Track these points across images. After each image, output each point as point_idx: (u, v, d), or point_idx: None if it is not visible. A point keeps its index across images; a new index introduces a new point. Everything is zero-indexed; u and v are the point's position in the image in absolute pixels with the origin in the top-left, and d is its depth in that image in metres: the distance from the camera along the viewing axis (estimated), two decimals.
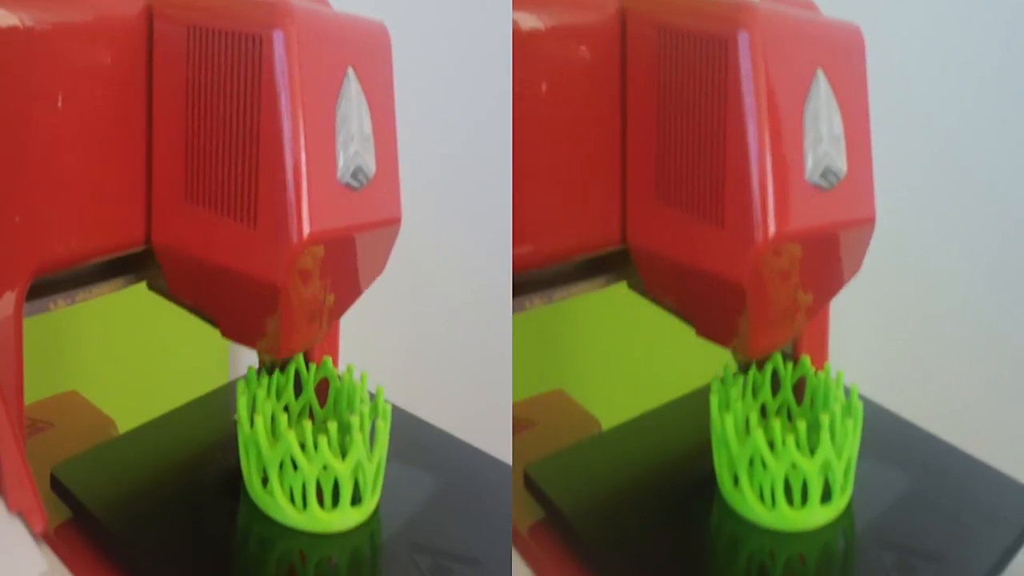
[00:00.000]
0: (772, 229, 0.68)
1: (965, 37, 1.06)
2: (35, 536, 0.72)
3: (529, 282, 0.81)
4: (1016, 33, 1.04)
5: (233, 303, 0.75)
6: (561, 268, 0.82)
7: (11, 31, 0.67)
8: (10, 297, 0.70)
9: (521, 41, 0.73)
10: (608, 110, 0.78)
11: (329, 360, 0.83)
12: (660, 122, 0.75)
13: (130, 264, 0.80)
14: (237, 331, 0.77)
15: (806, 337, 0.88)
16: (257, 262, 0.70)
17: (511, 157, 0.74)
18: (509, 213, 0.74)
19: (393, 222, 0.77)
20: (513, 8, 0.73)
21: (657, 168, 0.76)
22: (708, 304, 0.76)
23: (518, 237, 0.75)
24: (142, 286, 0.83)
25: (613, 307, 1.06)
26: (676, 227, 0.75)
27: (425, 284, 1.10)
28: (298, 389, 0.83)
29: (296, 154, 0.68)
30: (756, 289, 0.71)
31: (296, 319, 0.73)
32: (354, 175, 0.72)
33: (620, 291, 0.87)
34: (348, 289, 0.78)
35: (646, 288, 0.82)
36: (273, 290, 0.70)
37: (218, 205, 0.71)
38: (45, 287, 0.76)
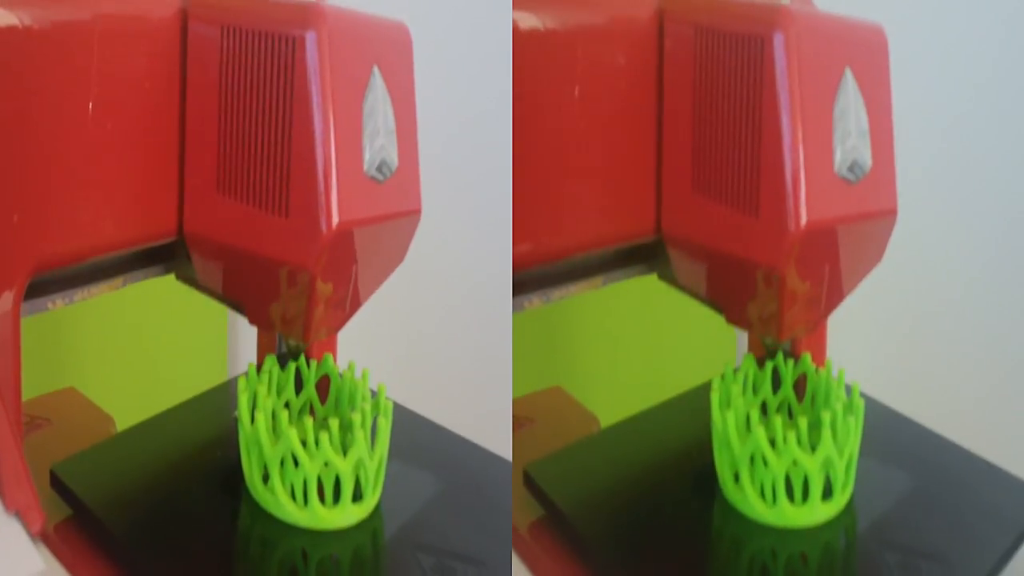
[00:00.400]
0: (804, 218, 0.71)
1: (962, 34, 1.06)
2: (32, 535, 0.71)
3: (528, 281, 0.81)
4: (1015, 32, 1.04)
5: (262, 290, 0.77)
6: (560, 267, 0.83)
7: (10, 31, 0.68)
8: (8, 295, 0.71)
9: (561, 40, 0.76)
10: (645, 106, 0.81)
11: (330, 357, 0.83)
12: (697, 117, 0.78)
13: (126, 263, 0.81)
14: (264, 317, 0.79)
15: (805, 335, 0.88)
16: (288, 250, 0.73)
17: (511, 155, 0.75)
18: (509, 211, 0.75)
19: (414, 213, 0.80)
20: (554, 8, 0.76)
21: (693, 161, 0.79)
22: (740, 291, 0.78)
23: (556, 228, 0.78)
24: (139, 285, 0.83)
25: (611, 306, 1.06)
26: (712, 217, 0.77)
27: (426, 282, 1.09)
28: (299, 386, 0.83)
29: (327, 148, 0.71)
30: (788, 274, 0.73)
31: (323, 304, 0.76)
32: (379, 168, 0.74)
33: (617, 290, 0.87)
34: (371, 277, 0.80)
35: (678, 277, 0.84)
36: (304, 276, 0.73)
37: (250, 196, 0.74)
38: (43, 286, 0.76)
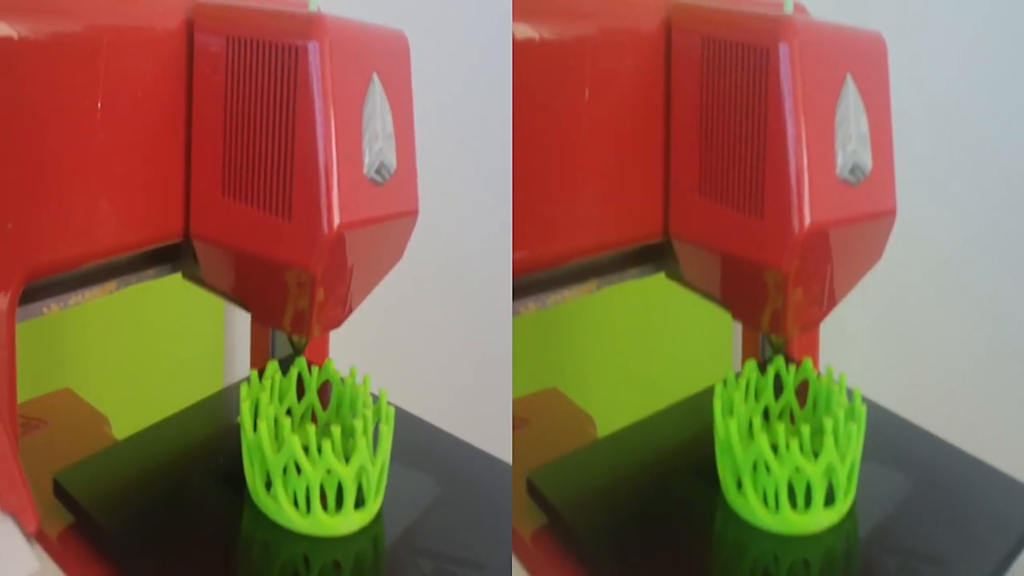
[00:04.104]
0: (808, 219, 0.74)
1: (950, 38, 1.06)
2: (27, 536, 0.71)
3: (523, 287, 0.81)
4: (1015, 35, 1.05)
5: (267, 290, 0.79)
6: (555, 272, 0.83)
7: (6, 42, 0.68)
8: (3, 298, 0.71)
9: (570, 49, 0.78)
10: (652, 113, 0.82)
11: (331, 363, 0.83)
12: (703, 124, 0.80)
13: (120, 268, 0.81)
14: (268, 315, 0.82)
15: (797, 339, 0.88)
16: (291, 251, 0.75)
17: (511, 160, 0.76)
18: (510, 215, 0.76)
19: (412, 213, 0.81)
20: (564, 17, 0.78)
21: (700, 165, 0.80)
22: (746, 290, 0.81)
23: (568, 231, 0.80)
24: (136, 287, 0.83)
25: (606, 308, 1.06)
26: (718, 219, 0.80)
27: (427, 286, 1.09)
28: (300, 391, 0.83)
29: (328, 152, 0.73)
30: (793, 274, 0.76)
31: (326, 303, 0.78)
32: (378, 170, 0.76)
33: (612, 293, 0.87)
34: (371, 275, 0.82)
35: (686, 278, 0.86)
36: (307, 276, 0.75)
37: (254, 199, 0.76)
38: (38, 291, 0.76)
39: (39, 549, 0.72)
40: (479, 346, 1.09)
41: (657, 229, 0.84)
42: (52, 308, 0.77)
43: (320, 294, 0.77)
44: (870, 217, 0.78)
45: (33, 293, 0.75)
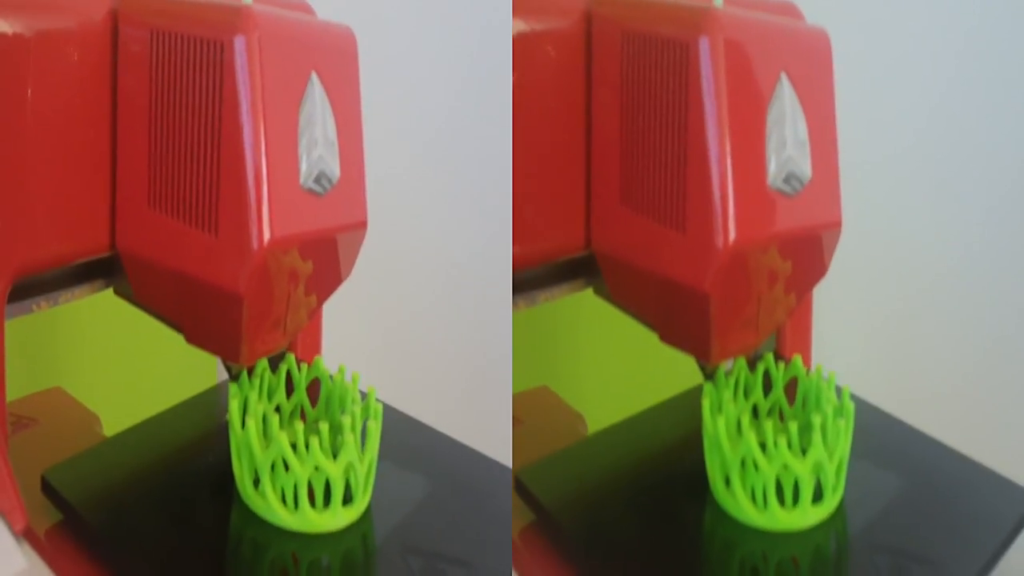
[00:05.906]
0: (732, 235, 0.68)
1: (948, 38, 1.06)
2: (15, 535, 0.71)
3: (514, 284, 0.81)
4: (994, 34, 1.05)
5: (196, 310, 0.74)
6: (544, 270, 0.82)
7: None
8: None
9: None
10: (574, 115, 0.77)
11: (320, 360, 0.82)
12: (624, 127, 0.74)
13: (107, 268, 0.80)
14: (201, 338, 0.76)
15: (790, 337, 0.88)
16: (218, 269, 0.70)
17: (511, 158, 0.74)
18: (509, 212, 0.74)
19: (358, 226, 0.76)
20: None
21: (621, 173, 0.75)
22: (671, 311, 0.75)
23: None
24: None
25: (597, 305, 1.06)
26: (639, 232, 0.74)
27: (423, 285, 1.09)
28: (289, 389, 0.83)
29: (257, 160, 0.67)
30: (717, 295, 0.70)
31: (258, 327, 0.73)
32: (317, 180, 0.71)
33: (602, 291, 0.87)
34: (314, 294, 0.77)
35: (611, 294, 0.81)
36: (234, 298, 0.70)
37: (180, 212, 0.71)
38: (27, 289, 0.75)
39: (27, 547, 0.72)
40: (478, 346, 1.09)
41: (580, 242, 0.79)
42: (42, 306, 0.76)
43: (251, 318, 0.71)
44: (808, 230, 0.72)
45: (22, 291, 0.74)
